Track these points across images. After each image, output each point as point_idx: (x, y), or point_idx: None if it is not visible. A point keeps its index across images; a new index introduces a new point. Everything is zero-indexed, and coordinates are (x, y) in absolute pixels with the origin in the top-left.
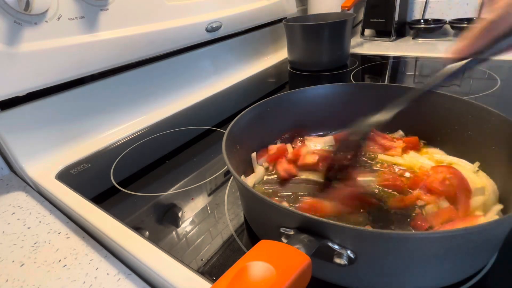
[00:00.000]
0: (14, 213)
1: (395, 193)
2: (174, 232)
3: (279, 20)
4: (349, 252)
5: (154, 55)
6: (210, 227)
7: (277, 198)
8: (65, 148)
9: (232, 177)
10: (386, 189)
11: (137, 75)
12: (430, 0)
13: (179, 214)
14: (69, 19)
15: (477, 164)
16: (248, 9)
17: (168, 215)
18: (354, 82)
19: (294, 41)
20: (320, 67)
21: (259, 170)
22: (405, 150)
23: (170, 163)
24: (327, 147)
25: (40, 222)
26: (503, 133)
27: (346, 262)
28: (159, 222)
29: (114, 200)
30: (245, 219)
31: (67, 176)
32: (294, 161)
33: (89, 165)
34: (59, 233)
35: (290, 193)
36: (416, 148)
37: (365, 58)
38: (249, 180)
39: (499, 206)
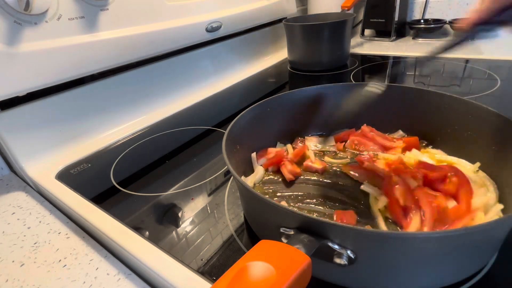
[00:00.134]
0: (14, 213)
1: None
2: (174, 232)
3: (279, 20)
4: (349, 252)
5: (154, 55)
6: (210, 227)
7: (276, 198)
8: (65, 148)
9: (232, 177)
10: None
11: (137, 75)
12: (430, 0)
13: (179, 214)
14: (69, 19)
15: (477, 164)
16: (248, 9)
17: (168, 215)
18: (354, 82)
19: (294, 41)
20: (320, 67)
21: (259, 170)
22: (405, 150)
23: (170, 163)
24: (327, 147)
25: (40, 222)
26: (503, 133)
27: (346, 262)
28: (159, 222)
29: (114, 200)
30: (245, 219)
31: (67, 176)
32: (296, 161)
33: (89, 165)
34: (59, 233)
35: (290, 193)
36: (416, 148)
37: (365, 58)
38: (249, 180)
39: (499, 206)
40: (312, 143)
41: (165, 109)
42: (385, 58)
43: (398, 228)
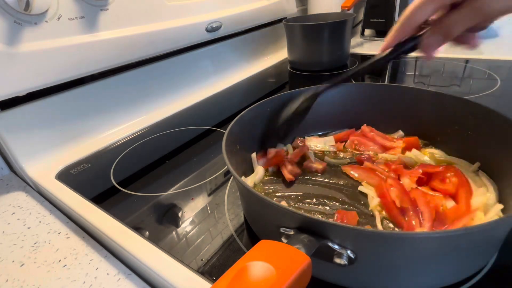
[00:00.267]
0: (14, 213)
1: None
2: (174, 232)
3: (279, 20)
4: (349, 252)
5: (154, 55)
6: (210, 227)
7: (276, 198)
8: (65, 148)
9: (232, 177)
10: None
11: (137, 75)
12: None
13: (179, 214)
14: (69, 19)
15: (477, 164)
16: (248, 9)
17: (168, 215)
18: (354, 82)
19: (294, 41)
20: (320, 67)
21: (259, 170)
22: (405, 150)
23: (170, 163)
24: (327, 147)
25: (40, 222)
26: (503, 133)
27: (346, 262)
28: (159, 222)
29: (114, 200)
30: (245, 219)
31: (67, 176)
32: (296, 161)
33: (89, 165)
34: (59, 233)
35: (290, 193)
36: (416, 148)
37: (365, 58)
38: (249, 180)
39: (499, 206)
40: (312, 143)
41: (165, 109)
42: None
43: (397, 229)
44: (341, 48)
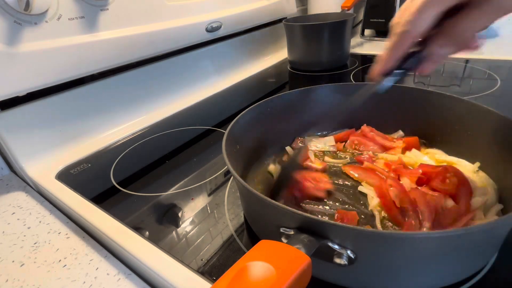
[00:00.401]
0: (14, 213)
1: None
2: (174, 232)
3: (279, 20)
4: (349, 252)
5: (154, 55)
6: (210, 227)
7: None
8: (65, 148)
9: (232, 177)
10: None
11: (137, 75)
12: None
13: (179, 214)
14: (69, 19)
15: (477, 164)
16: (248, 9)
17: (168, 215)
18: (354, 82)
19: (294, 41)
20: (320, 67)
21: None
22: (405, 150)
23: (170, 163)
24: (327, 147)
25: (40, 222)
26: (503, 133)
27: (346, 262)
28: (159, 222)
29: (114, 200)
30: (245, 219)
31: (67, 176)
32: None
33: (89, 165)
34: (59, 233)
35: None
36: (416, 148)
37: (365, 58)
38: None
39: (499, 206)
40: (312, 143)
41: (165, 109)
42: None
43: (397, 228)
44: (341, 48)
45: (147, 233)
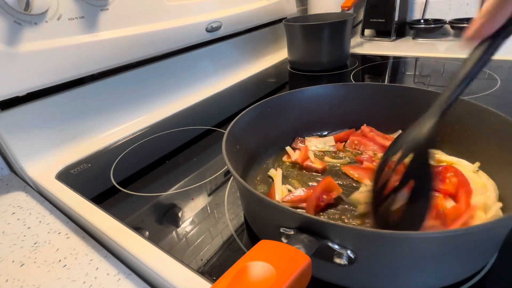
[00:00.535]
0: (14, 213)
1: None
2: (174, 232)
3: (279, 20)
4: (349, 252)
5: (154, 55)
6: (210, 227)
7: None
8: (65, 148)
9: (232, 177)
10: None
11: (137, 75)
12: (430, 0)
13: (179, 214)
14: (69, 19)
15: (477, 164)
16: (248, 9)
17: (168, 215)
18: (354, 82)
19: (294, 41)
20: (320, 67)
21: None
22: None
23: (170, 163)
24: (327, 147)
25: (40, 222)
26: (503, 133)
27: (346, 262)
28: (159, 222)
29: (114, 200)
30: (245, 219)
31: (67, 176)
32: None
33: (89, 165)
34: (59, 233)
35: None
36: None
37: (365, 58)
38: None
39: (498, 204)
40: (312, 143)
41: (165, 109)
42: (385, 58)
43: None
44: (341, 48)
45: (147, 233)
